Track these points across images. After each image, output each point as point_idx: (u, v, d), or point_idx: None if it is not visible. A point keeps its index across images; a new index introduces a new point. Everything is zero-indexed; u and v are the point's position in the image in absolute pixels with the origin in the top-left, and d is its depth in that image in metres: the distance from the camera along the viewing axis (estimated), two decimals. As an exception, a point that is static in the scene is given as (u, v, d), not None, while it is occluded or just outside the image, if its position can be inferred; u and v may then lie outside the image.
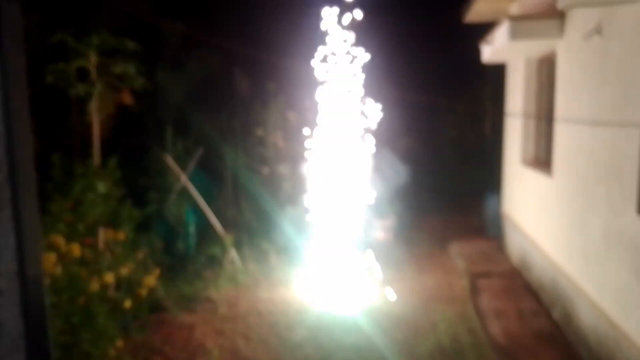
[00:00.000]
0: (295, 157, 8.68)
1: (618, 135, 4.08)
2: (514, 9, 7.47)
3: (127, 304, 4.17)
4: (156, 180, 7.82)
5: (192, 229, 7.75)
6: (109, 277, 4.07)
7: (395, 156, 9.54)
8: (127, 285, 4.51)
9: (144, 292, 4.35)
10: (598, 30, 4.44)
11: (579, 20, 5.00)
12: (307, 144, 7.68)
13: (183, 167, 7.84)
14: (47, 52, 6.90)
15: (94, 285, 3.77)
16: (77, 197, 5.02)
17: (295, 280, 7.02)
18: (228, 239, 7.21)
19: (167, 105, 10.50)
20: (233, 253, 7.18)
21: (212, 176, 9.54)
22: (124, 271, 4.34)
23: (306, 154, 7.84)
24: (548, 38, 5.51)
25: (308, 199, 7.82)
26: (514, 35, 5.45)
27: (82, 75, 6.69)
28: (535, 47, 6.24)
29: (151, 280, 4.49)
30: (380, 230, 8.73)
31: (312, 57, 6.97)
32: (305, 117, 8.58)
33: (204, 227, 7.92)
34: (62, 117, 9.59)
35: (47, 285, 3.46)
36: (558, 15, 5.38)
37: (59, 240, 3.77)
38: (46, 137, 8.45)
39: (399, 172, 9.47)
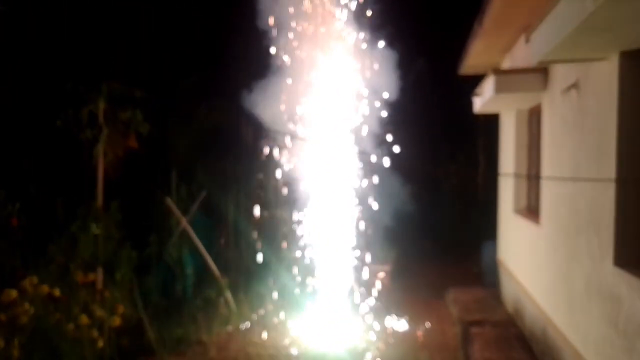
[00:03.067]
0: (294, 202, 8.71)
1: (595, 188, 4.05)
2: (506, 62, 7.61)
3: (100, 343, 4.13)
4: (157, 223, 7.87)
5: (189, 271, 7.72)
6: (84, 319, 4.04)
7: (399, 202, 9.50)
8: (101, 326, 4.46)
9: (107, 334, 4.28)
10: (575, 86, 4.49)
11: (560, 75, 5.06)
12: (306, 188, 7.74)
13: (185, 211, 7.91)
14: (61, 97, 7.13)
15: (69, 327, 3.76)
16: (73, 238, 5.07)
17: (288, 324, 6.91)
18: (224, 281, 7.16)
19: (174, 151, 10.72)
20: (228, 296, 7.12)
21: (214, 220, 9.58)
22: (99, 312, 4.32)
23: (305, 199, 7.89)
24: (532, 91, 5.57)
25: (305, 243, 7.80)
26: (499, 88, 5.53)
27: (93, 118, 6.87)
28: (523, 100, 6.31)
29: (116, 320, 4.43)
30: (378, 276, 8.61)
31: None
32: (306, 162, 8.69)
33: (202, 270, 7.89)
34: (74, 160, 9.80)
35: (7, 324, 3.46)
36: (541, 70, 5.46)
37: (30, 281, 3.77)
38: (56, 179, 8.62)
39: (401, 219, 9.40)
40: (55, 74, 8.33)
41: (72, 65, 9.31)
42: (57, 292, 3.96)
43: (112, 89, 6.85)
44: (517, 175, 7.03)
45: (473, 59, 7.70)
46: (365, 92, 7.37)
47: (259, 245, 8.73)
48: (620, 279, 3.59)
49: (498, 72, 5.72)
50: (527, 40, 6.09)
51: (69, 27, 10.62)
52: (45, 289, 3.81)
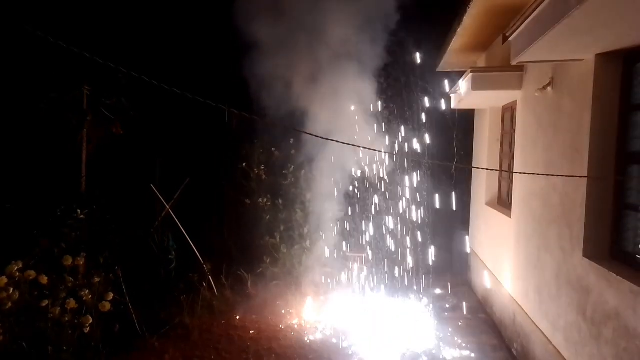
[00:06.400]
0: (277, 190, 8.64)
1: (568, 183, 4.09)
2: (482, 61, 7.62)
3: (87, 329, 4.01)
4: (142, 208, 7.71)
5: (173, 255, 7.60)
6: (72, 303, 3.92)
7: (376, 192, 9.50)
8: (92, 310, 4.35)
9: (92, 318, 4.15)
10: (551, 85, 4.51)
11: (536, 74, 5.07)
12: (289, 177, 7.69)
13: (169, 196, 7.77)
14: (45, 82, 6.90)
15: (55, 311, 3.64)
16: (58, 222, 4.91)
17: (270, 306, 6.87)
18: (206, 266, 7.07)
19: (160, 138, 10.50)
20: (210, 280, 7.03)
21: (198, 206, 9.44)
22: (87, 296, 4.20)
23: (286, 187, 7.84)
24: (508, 89, 5.58)
25: (286, 229, 7.75)
26: (476, 85, 5.52)
27: (77, 104, 6.67)
28: (498, 97, 6.31)
29: (106, 306, 4.31)
30: (355, 263, 8.62)
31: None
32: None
33: (186, 254, 7.78)
34: (58, 145, 9.52)
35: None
36: (518, 69, 5.47)
37: (14, 266, 3.62)
38: (39, 164, 8.34)
39: (378, 207, 9.41)
40: (39, 58, 8.03)
41: (57, 50, 8.97)
42: (44, 279, 3.80)
43: (97, 75, 6.67)
44: (490, 169, 7.07)
45: (450, 57, 7.69)
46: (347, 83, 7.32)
47: (241, 231, 8.66)
48: (589, 269, 3.64)
49: (475, 69, 5.71)
50: (505, 41, 6.11)
51: (54, 9, 10.24)
52: (31, 273, 3.66)
